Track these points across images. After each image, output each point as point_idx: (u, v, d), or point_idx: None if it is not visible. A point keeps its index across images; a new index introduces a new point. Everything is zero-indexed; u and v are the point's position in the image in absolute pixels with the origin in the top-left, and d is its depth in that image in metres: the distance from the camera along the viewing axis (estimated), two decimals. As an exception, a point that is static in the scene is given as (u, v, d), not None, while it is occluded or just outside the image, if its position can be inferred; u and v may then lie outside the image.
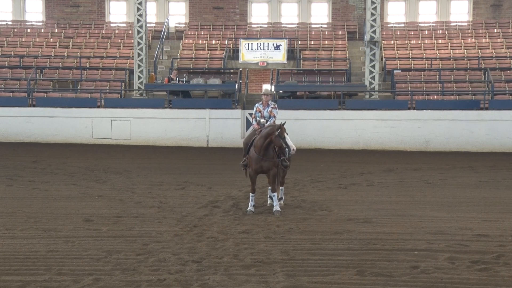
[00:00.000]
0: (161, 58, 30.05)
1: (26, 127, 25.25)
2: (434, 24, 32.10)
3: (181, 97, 26.56)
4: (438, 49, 29.93)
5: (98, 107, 25.76)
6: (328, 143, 24.14)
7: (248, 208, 11.33)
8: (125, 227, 9.86)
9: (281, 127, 10.92)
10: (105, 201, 12.26)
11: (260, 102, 12.00)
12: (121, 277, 7.19)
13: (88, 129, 25.02)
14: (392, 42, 30.63)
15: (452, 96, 26.17)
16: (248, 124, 24.70)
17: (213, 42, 31.11)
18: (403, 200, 12.71)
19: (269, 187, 11.47)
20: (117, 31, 32.22)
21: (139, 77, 26.74)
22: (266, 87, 12.41)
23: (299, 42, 30.50)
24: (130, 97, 27.10)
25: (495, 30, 30.90)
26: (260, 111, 11.88)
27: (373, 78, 25.42)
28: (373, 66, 25.37)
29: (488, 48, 29.54)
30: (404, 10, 32.85)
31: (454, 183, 15.31)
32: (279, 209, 11.16)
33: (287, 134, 10.98)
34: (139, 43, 26.65)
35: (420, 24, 32.21)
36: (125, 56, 29.84)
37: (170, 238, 9.10)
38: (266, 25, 32.49)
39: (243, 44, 28.38)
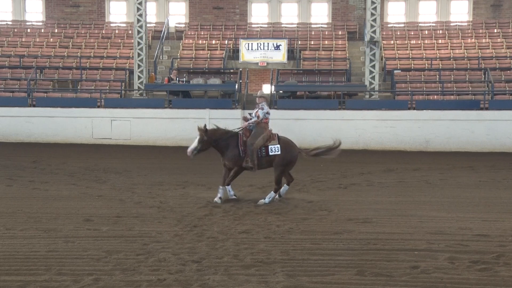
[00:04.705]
0: (161, 58, 30.05)
1: (26, 127, 25.24)
2: (434, 24, 32.11)
3: (181, 97, 26.55)
4: (438, 49, 29.93)
5: (98, 107, 25.76)
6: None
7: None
8: (125, 227, 9.85)
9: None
10: (105, 201, 12.25)
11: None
12: (121, 277, 7.19)
13: (88, 129, 25.02)
14: (392, 42, 30.63)
15: (452, 96, 26.17)
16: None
17: (213, 42, 31.11)
18: (403, 200, 12.71)
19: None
20: (117, 31, 32.23)
21: (139, 77, 26.74)
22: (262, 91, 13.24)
23: (299, 42, 30.50)
24: (130, 97, 27.10)
25: (495, 30, 30.91)
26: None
27: (373, 78, 25.43)
28: (373, 66, 25.37)
29: (488, 48, 29.54)
30: (404, 10, 32.86)
31: (454, 183, 15.31)
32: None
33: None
34: (139, 43, 26.66)
35: (420, 24, 32.22)
36: (125, 56, 29.84)
37: (170, 238, 9.09)
38: (266, 25, 32.50)
39: (243, 44, 28.38)
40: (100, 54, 30.10)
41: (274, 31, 31.84)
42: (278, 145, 12.18)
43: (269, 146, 12.13)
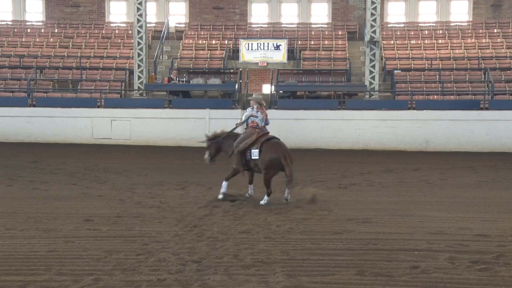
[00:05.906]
0: (161, 58, 30.06)
1: (26, 127, 25.25)
2: (434, 24, 32.12)
3: (181, 97, 26.56)
4: (438, 49, 29.94)
5: (98, 107, 25.77)
6: (328, 143, 24.13)
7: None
8: (125, 227, 9.85)
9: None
10: (105, 201, 12.25)
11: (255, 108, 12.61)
12: (121, 277, 7.19)
13: (88, 129, 25.02)
14: (392, 42, 30.63)
15: (452, 96, 26.18)
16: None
17: (213, 42, 31.12)
18: (403, 200, 12.70)
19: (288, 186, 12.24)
20: (117, 31, 32.24)
21: (139, 77, 26.74)
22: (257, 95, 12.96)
23: (299, 42, 30.51)
24: (130, 97, 27.11)
25: (495, 30, 30.91)
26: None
27: (373, 78, 25.43)
28: (373, 66, 25.38)
29: (488, 48, 29.55)
30: (404, 10, 32.87)
31: (454, 183, 15.31)
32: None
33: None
34: (139, 43, 26.66)
35: (420, 24, 32.23)
36: (125, 56, 29.85)
37: (170, 238, 9.09)
38: (266, 25, 32.50)
39: (243, 44, 28.38)
40: (100, 54, 30.10)
41: (274, 31, 31.84)
42: (257, 150, 12.02)
43: (251, 151, 12.13)
